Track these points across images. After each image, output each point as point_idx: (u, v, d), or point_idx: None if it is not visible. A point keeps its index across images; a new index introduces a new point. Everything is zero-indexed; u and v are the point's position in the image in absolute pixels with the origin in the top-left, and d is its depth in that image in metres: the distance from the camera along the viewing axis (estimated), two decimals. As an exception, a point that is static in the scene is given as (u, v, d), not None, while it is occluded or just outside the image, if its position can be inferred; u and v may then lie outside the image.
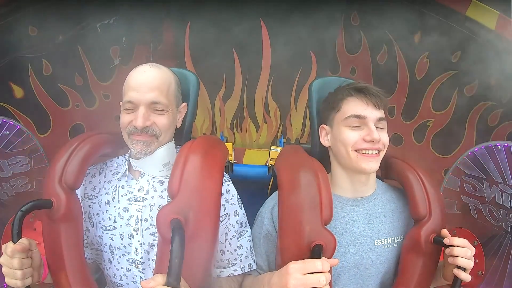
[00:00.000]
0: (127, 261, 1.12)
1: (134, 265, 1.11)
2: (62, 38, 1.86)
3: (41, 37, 1.75)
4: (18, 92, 1.79)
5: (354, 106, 1.11)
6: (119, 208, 1.13)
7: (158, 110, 1.09)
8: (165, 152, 1.13)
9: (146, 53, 2.25)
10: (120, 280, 1.14)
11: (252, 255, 1.17)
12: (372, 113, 1.09)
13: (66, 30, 1.86)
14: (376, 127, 1.09)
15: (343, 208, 1.13)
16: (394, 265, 1.16)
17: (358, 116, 1.09)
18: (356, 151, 1.09)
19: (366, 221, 1.14)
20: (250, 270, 1.16)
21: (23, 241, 0.93)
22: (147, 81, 1.08)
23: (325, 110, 1.20)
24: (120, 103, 1.16)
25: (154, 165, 1.13)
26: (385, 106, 1.13)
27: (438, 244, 1.04)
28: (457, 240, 0.98)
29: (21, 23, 1.65)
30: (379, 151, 1.09)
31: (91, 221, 1.16)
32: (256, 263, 1.17)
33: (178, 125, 1.20)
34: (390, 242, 1.14)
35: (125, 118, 1.10)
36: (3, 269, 0.92)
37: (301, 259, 0.96)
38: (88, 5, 1.84)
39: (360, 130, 1.09)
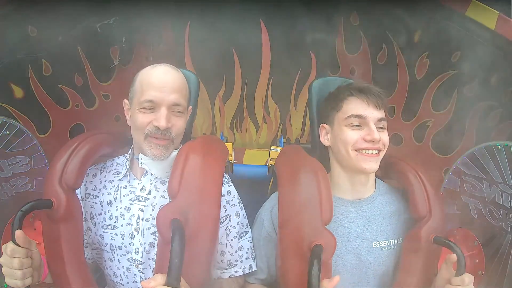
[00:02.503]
0: (127, 260, 1.12)
1: (135, 264, 1.11)
2: (62, 38, 1.85)
3: (41, 38, 1.74)
4: (18, 92, 1.79)
5: (355, 106, 1.11)
6: (120, 208, 1.13)
7: (178, 112, 1.09)
8: (175, 156, 1.13)
9: (146, 53, 2.25)
10: (120, 280, 1.14)
11: (252, 256, 1.17)
12: (373, 113, 1.09)
13: (66, 31, 1.86)
14: (377, 127, 1.09)
15: (341, 210, 1.13)
16: (393, 266, 1.16)
17: (358, 116, 1.09)
18: (356, 150, 1.09)
19: (365, 223, 1.14)
20: (251, 271, 1.16)
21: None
22: (170, 82, 1.08)
23: (326, 109, 1.20)
24: (125, 101, 1.15)
25: (164, 167, 1.13)
26: (385, 107, 1.13)
27: (438, 243, 1.04)
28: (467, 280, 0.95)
29: (21, 23, 1.65)
30: (379, 151, 1.09)
31: (93, 221, 1.16)
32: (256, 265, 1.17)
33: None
34: (389, 244, 1.14)
35: (143, 118, 1.07)
36: (3, 269, 0.93)
37: (301, 260, 0.96)
38: (88, 5, 1.83)
39: (361, 130, 1.10)
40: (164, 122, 1.05)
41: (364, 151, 1.08)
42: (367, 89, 1.13)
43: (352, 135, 1.10)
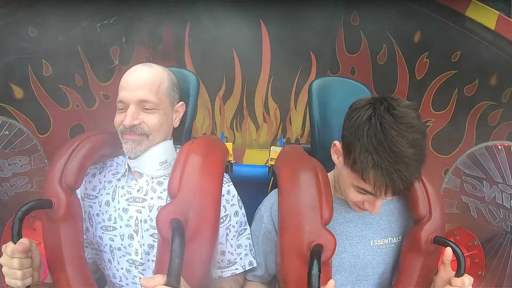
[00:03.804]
0: (127, 261, 1.12)
1: (134, 265, 1.11)
2: (62, 38, 1.85)
3: (41, 38, 1.74)
4: (18, 92, 1.79)
5: (372, 186, 0.92)
6: (119, 209, 1.13)
7: (148, 108, 1.09)
8: (160, 151, 1.13)
9: (146, 53, 2.25)
10: (120, 281, 1.14)
11: (252, 252, 1.18)
12: (386, 198, 0.96)
13: (66, 31, 1.86)
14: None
15: (340, 209, 1.13)
16: (392, 265, 1.16)
17: (370, 194, 0.95)
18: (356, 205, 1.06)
19: (363, 221, 1.14)
20: (251, 267, 1.17)
21: (23, 241, 0.93)
22: (136, 79, 1.09)
23: (346, 138, 0.96)
24: None
25: (150, 164, 1.13)
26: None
27: (438, 243, 1.04)
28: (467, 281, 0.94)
29: (21, 23, 1.65)
30: None
31: (90, 221, 1.16)
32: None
33: (176, 125, 1.20)
34: (387, 242, 1.14)
35: (117, 118, 1.11)
36: (3, 269, 0.93)
37: (301, 259, 0.96)
38: (88, 5, 1.83)
39: (367, 197, 0.97)
40: (127, 121, 1.06)
41: None
42: (394, 179, 0.87)
43: (356, 197, 1.00)
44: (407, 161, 0.86)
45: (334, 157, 1.05)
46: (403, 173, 0.86)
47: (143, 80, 1.09)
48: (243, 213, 1.20)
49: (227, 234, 1.15)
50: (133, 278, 1.12)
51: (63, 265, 1.01)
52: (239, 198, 1.20)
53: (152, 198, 1.13)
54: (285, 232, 1.02)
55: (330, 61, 2.35)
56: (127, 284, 1.13)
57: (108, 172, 1.21)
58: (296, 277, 0.98)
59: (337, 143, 1.02)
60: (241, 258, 1.16)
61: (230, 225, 1.15)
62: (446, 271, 0.99)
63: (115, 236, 1.12)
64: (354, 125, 0.92)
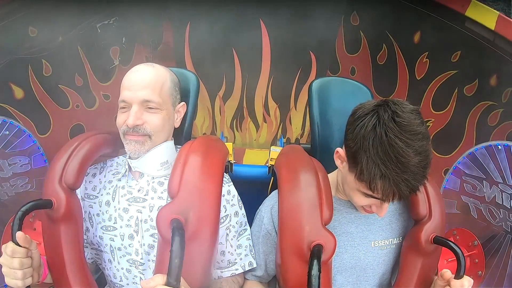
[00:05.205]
0: (127, 261, 1.12)
1: (134, 265, 1.11)
2: (62, 38, 1.85)
3: (41, 38, 1.74)
4: (18, 92, 1.79)
5: (380, 195, 0.92)
6: (119, 209, 1.13)
7: (151, 108, 1.09)
8: (162, 151, 1.13)
9: (146, 54, 2.25)
10: (120, 281, 1.14)
11: (252, 253, 1.18)
12: (391, 201, 0.95)
13: (66, 31, 1.86)
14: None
15: (341, 210, 1.13)
16: (392, 266, 1.16)
17: (376, 199, 0.95)
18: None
19: (364, 223, 1.13)
20: (251, 268, 1.17)
21: (22, 236, 0.92)
22: (140, 79, 1.08)
23: (351, 148, 0.94)
24: None
25: (152, 164, 1.13)
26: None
27: (438, 243, 1.04)
28: (467, 283, 0.94)
29: (21, 23, 1.65)
30: None
31: (91, 221, 1.16)
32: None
33: (177, 125, 1.20)
34: (388, 243, 1.14)
35: (119, 118, 1.10)
36: (3, 269, 0.92)
37: (301, 259, 0.96)
38: (88, 6, 1.84)
39: (374, 200, 0.97)
40: (131, 120, 1.06)
41: None
42: (403, 183, 0.87)
43: (362, 201, 0.99)
44: (414, 170, 0.86)
45: (337, 162, 1.04)
46: (410, 181, 0.87)
47: (146, 80, 1.09)
48: (243, 213, 1.19)
49: (227, 234, 1.15)
50: (133, 278, 1.12)
51: (63, 265, 1.01)
52: (239, 198, 1.20)
53: (152, 198, 1.13)
54: (285, 232, 1.02)
55: (330, 61, 2.35)
56: (128, 284, 1.13)
57: (109, 172, 1.21)
58: (296, 277, 0.98)
59: (340, 150, 1.01)
60: (241, 259, 1.16)
61: (230, 225, 1.15)
62: (444, 277, 0.98)
63: (115, 236, 1.12)
64: (358, 135, 0.91)
